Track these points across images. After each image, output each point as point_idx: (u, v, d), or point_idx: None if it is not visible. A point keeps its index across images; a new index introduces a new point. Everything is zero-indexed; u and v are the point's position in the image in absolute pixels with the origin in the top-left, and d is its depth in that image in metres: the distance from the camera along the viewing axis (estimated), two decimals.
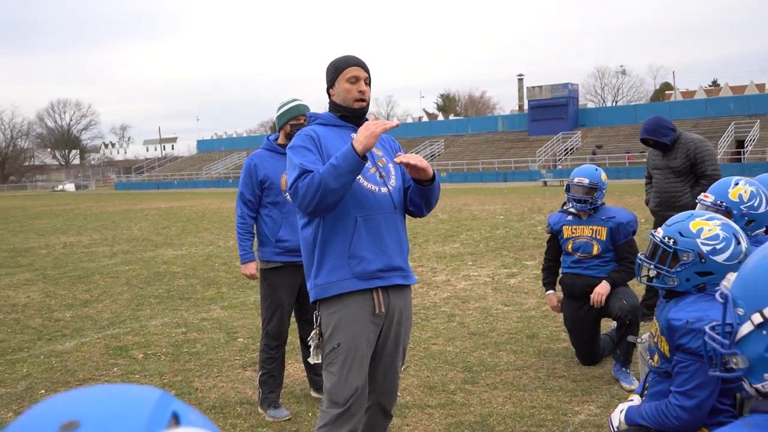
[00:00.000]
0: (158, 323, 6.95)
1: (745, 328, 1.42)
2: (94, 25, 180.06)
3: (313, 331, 2.89)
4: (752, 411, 1.38)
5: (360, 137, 2.70)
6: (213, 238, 15.11)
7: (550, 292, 5.24)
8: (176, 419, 0.71)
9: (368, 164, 2.89)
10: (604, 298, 4.78)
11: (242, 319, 6.95)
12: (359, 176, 2.84)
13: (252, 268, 4.48)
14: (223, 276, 9.75)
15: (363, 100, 2.96)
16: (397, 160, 2.83)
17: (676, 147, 6.02)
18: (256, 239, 4.43)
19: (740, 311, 1.44)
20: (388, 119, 3.06)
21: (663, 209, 6.09)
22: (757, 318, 1.39)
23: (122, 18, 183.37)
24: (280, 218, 4.25)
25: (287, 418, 4.28)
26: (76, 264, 11.74)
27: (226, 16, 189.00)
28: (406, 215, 3.07)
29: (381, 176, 2.93)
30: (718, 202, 3.57)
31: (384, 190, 2.92)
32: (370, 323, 2.84)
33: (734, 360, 1.45)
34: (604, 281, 4.83)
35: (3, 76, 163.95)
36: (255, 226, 4.40)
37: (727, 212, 3.51)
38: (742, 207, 3.52)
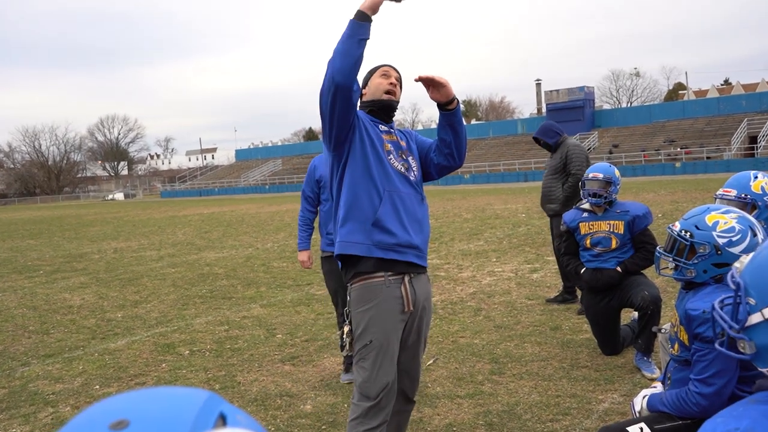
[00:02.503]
0: (202, 321, 7.00)
1: (755, 318, 1.36)
2: (140, 45, 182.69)
3: (345, 327, 2.87)
4: (758, 389, 1.33)
5: None
6: (252, 241, 15.21)
7: (584, 269, 5.00)
8: (223, 419, 0.69)
9: (391, 149, 2.86)
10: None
11: (280, 316, 6.97)
12: (391, 156, 2.82)
13: (304, 255, 4.78)
14: (262, 276, 9.81)
15: (392, 93, 2.94)
16: (416, 78, 2.75)
17: (559, 149, 6.55)
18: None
19: (752, 301, 1.37)
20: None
21: (544, 203, 6.64)
22: None
23: (165, 38, 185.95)
24: (331, 213, 4.31)
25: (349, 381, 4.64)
26: (126, 267, 11.90)
27: (260, 34, 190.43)
28: (447, 169, 2.99)
29: (405, 166, 2.90)
30: (743, 195, 3.45)
31: (411, 175, 2.89)
32: (399, 321, 2.82)
33: (741, 344, 1.40)
34: (616, 269, 4.78)
35: (59, 94, 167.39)
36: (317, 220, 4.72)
37: (753, 204, 3.41)
38: (765, 198, 3.42)
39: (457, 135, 2.89)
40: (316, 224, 4.79)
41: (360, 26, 2.60)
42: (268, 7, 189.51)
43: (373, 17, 2.65)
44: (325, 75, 2.60)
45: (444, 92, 2.80)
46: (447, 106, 2.84)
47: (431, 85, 2.79)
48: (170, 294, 8.81)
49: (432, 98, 2.83)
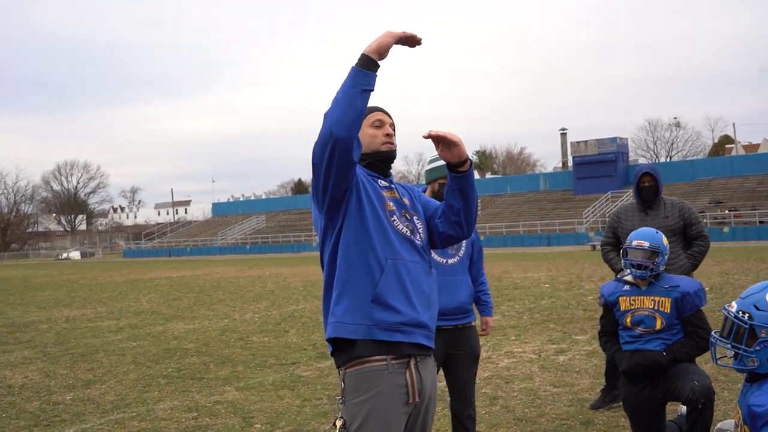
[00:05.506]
0: (167, 407, 6.88)
1: None
2: (105, 84, 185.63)
3: (338, 421, 2.77)
4: None
5: (375, 39, 2.66)
6: (228, 311, 15.12)
7: (619, 351, 4.88)
8: None
9: (394, 208, 2.86)
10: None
11: (259, 402, 6.86)
12: (394, 216, 2.82)
13: None
14: (239, 353, 9.70)
15: (391, 143, 2.95)
16: (425, 134, 2.77)
17: (661, 205, 6.30)
18: None
19: None
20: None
21: None
22: None
23: (134, 76, 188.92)
24: None
25: None
26: (79, 340, 11.78)
27: (241, 70, 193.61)
28: (452, 240, 3.01)
29: (410, 228, 2.89)
30: None
31: (417, 238, 2.88)
32: (402, 414, 2.75)
33: None
34: (662, 352, 4.68)
35: (9, 137, 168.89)
36: None
37: None
38: None
39: (467, 201, 2.91)
40: None
41: (365, 75, 2.62)
42: (248, 41, 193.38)
43: (380, 63, 2.66)
44: (322, 127, 2.61)
45: (456, 151, 2.82)
46: (458, 167, 2.86)
47: (442, 142, 2.81)
48: (130, 373, 8.69)
49: (441, 157, 2.86)
